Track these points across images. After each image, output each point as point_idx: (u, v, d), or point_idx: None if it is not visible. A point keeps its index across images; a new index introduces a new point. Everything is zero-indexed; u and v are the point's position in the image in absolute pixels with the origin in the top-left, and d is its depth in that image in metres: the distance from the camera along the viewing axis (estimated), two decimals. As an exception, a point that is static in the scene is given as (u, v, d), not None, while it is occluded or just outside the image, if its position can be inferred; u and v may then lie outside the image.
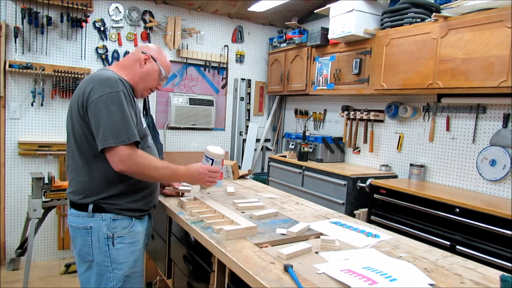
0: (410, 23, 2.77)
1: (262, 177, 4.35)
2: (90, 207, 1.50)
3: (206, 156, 1.80)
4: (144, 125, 1.68)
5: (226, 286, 1.37)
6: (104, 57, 3.71)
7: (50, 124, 3.55)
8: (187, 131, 4.33)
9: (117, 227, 1.53)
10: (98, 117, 1.42)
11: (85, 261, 1.53)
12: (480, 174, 2.64)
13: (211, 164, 1.77)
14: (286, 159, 3.83)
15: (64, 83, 3.49)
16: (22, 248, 3.25)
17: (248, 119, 4.72)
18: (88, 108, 1.44)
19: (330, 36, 3.28)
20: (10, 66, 3.25)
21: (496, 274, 1.21)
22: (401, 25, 2.83)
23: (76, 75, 3.49)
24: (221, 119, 4.55)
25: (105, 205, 1.51)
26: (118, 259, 1.53)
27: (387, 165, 3.33)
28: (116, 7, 3.76)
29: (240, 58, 4.56)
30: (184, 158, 4.15)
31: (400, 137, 3.25)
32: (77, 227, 1.53)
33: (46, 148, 3.47)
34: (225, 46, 4.43)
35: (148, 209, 1.66)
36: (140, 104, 3.81)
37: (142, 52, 1.66)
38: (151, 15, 3.94)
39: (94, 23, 3.66)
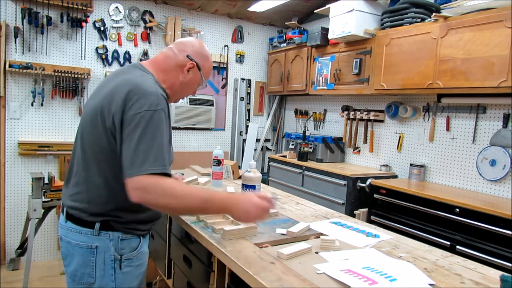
0: (410, 23, 2.77)
1: (262, 177, 4.34)
2: (97, 225, 1.31)
3: (245, 185, 1.70)
4: (172, 148, 1.44)
5: (226, 286, 1.37)
6: (104, 57, 3.71)
7: (50, 124, 3.55)
8: (187, 131, 4.33)
9: (125, 248, 1.36)
10: (130, 138, 1.21)
11: (82, 283, 1.34)
12: (480, 174, 2.64)
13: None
14: (286, 159, 3.83)
15: (64, 83, 3.49)
16: (22, 248, 3.25)
17: (248, 119, 4.72)
18: (124, 121, 1.23)
19: (330, 36, 3.28)
20: (10, 66, 3.25)
21: (496, 274, 1.21)
22: (401, 25, 2.83)
23: (76, 75, 3.49)
24: (221, 119, 4.55)
25: (114, 224, 1.33)
26: (123, 283, 1.37)
27: (387, 165, 3.33)
28: (116, 7, 3.76)
29: (240, 58, 4.55)
30: (184, 158, 4.16)
31: (400, 137, 3.25)
32: (77, 244, 1.33)
33: (46, 148, 3.46)
34: (225, 46, 4.43)
35: (150, 229, 1.51)
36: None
37: (187, 57, 1.43)
38: (151, 15, 3.94)
39: (94, 23, 3.66)
